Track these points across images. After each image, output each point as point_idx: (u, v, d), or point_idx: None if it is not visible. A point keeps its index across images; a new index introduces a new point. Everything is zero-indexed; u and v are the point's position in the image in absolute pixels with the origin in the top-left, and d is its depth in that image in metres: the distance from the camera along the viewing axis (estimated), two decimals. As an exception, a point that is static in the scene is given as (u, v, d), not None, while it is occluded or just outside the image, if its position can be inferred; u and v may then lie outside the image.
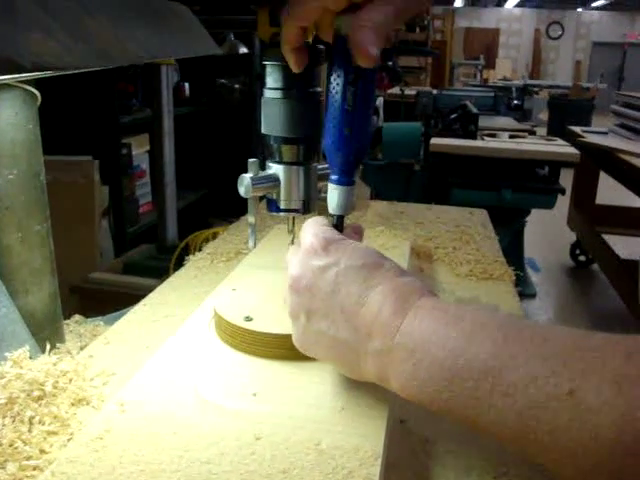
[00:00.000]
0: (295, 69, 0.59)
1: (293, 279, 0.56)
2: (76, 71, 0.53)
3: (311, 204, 0.68)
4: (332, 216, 0.61)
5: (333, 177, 0.60)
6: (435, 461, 0.59)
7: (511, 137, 3.20)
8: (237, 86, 3.66)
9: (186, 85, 3.45)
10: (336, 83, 0.56)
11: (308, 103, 0.64)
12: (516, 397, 0.41)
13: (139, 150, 3.00)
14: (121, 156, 2.75)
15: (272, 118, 0.65)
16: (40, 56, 0.40)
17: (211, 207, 3.78)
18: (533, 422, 0.40)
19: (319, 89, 0.65)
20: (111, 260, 2.53)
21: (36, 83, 0.71)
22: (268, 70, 0.64)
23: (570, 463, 0.39)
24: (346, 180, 0.60)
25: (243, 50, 3.25)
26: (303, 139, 0.65)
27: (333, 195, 0.60)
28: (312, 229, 0.57)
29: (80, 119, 2.65)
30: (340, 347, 0.53)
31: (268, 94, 0.65)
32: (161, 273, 1.82)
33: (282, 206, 0.68)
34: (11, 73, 0.37)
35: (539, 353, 0.42)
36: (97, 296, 2.00)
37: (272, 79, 0.64)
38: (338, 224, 0.62)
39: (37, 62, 0.39)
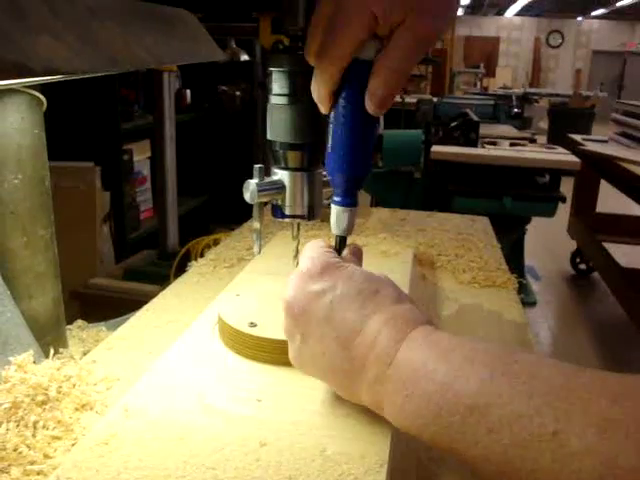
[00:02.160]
0: (325, 111, 0.58)
1: (287, 303, 0.55)
2: (85, 75, 0.53)
3: (316, 210, 0.68)
4: (335, 236, 0.61)
5: (335, 198, 0.60)
6: (440, 468, 0.59)
7: (512, 145, 3.21)
8: (238, 93, 3.67)
9: (187, 92, 3.46)
10: (340, 104, 0.56)
11: (314, 109, 0.64)
12: (501, 434, 0.41)
13: (140, 156, 3.00)
14: (122, 162, 2.75)
15: (278, 124, 0.65)
16: (50, 60, 0.40)
17: (212, 213, 3.78)
18: (517, 460, 0.40)
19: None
20: (112, 266, 2.53)
21: (39, 89, 0.72)
22: (274, 77, 0.64)
23: None
24: (346, 201, 0.60)
25: (244, 57, 3.26)
26: (308, 145, 0.65)
27: (333, 215, 0.60)
28: (310, 252, 0.57)
29: (82, 125, 2.65)
30: (336, 373, 0.53)
31: (274, 100, 0.65)
32: (162, 279, 1.82)
33: (287, 212, 0.68)
34: (21, 77, 0.37)
35: (525, 390, 0.41)
36: (97, 302, 1.99)
37: (278, 85, 0.64)
38: (339, 245, 0.61)
39: (47, 66, 0.39)
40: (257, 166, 0.65)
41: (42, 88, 0.72)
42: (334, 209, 0.60)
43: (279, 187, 0.66)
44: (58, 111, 2.39)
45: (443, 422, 0.44)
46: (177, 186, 2.28)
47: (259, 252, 0.72)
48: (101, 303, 1.99)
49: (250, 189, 0.65)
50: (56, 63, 0.40)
